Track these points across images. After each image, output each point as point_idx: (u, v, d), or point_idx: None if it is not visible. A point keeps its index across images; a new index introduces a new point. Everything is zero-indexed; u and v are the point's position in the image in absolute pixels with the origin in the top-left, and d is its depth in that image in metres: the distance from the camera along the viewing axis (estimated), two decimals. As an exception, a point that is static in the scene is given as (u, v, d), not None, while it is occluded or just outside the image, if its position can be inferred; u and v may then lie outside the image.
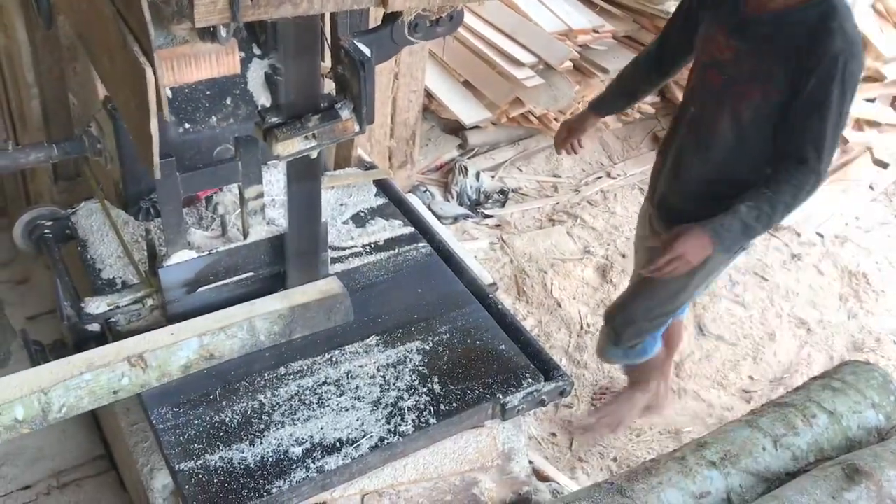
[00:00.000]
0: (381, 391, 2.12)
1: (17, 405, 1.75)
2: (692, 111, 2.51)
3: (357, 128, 1.85)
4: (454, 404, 2.12)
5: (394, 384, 2.15)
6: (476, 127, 4.43)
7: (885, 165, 4.62)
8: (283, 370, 2.15)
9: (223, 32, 1.60)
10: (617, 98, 2.85)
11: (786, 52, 2.20)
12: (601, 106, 2.83)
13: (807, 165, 2.24)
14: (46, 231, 2.46)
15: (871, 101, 4.82)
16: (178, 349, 1.97)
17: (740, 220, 2.28)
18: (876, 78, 4.87)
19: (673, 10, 4.57)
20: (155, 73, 1.29)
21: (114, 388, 1.90)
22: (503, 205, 4.30)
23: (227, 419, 2.02)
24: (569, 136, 2.86)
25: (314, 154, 1.88)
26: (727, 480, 2.05)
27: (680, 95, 4.93)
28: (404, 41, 1.88)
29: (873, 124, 4.76)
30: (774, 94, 2.24)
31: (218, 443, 1.97)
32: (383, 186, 2.84)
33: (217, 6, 1.31)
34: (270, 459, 1.94)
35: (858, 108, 4.69)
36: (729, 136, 2.39)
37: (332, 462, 1.95)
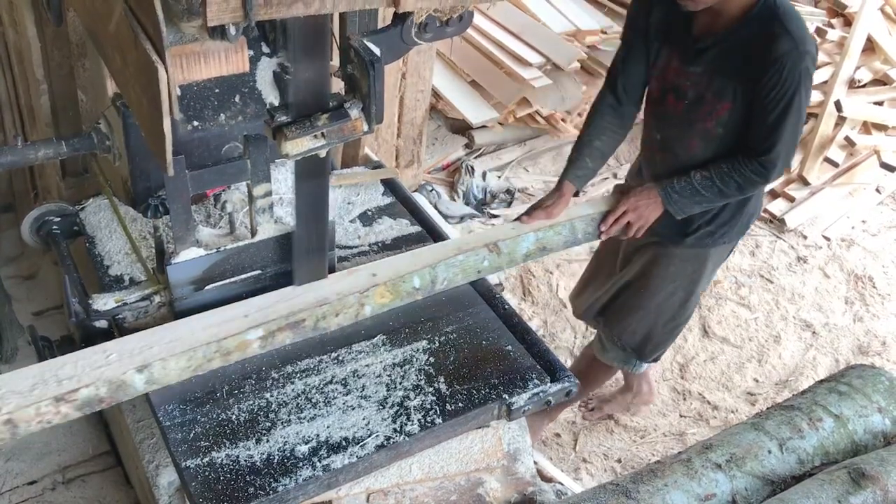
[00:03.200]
0: (388, 390, 2.13)
1: (414, 276, 2.13)
2: (658, 138, 2.49)
3: (366, 127, 1.85)
4: (460, 404, 2.12)
5: (400, 384, 2.15)
6: (483, 127, 4.43)
7: (892, 169, 4.61)
8: (289, 368, 2.15)
9: (233, 31, 1.60)
10: (593, 163, 2.52)
11: (740, 67, 2.25)
12: (581, 178, 2.50)
13: (767, 157, 2.31)
14: (55, 227, 2.47)
15: (879, 104, 4.81)
16: (521, 240, 2.29)
17: (691, 185, 2.36)
18: (884, 81, 4.86)
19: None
20: (167, 71, 1.29)
21: (478, 268, 2.24)
22: (509, 205, 4.30)
23: (234, 417, 2.03)
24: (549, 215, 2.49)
25: (323, 153, 1.88)
26: (732, 483, 2.05)
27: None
28: (413, 41, 1.88)
29: (881, 127, 4.75)
30: (738, 107, 2.30)
31: (224, 440, 1.97)
32: (390, 185, 2.84)
33: (230, 5, 1.31)
34: (276, 457, 1.95)
35: (866, 111, 4.69)
36: (700, 153, 2.41)
37: (338, 461, 1.96)
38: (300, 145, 1.80)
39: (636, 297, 2.73)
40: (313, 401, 2.08)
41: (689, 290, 2.67)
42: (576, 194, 2.47)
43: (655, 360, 2.94)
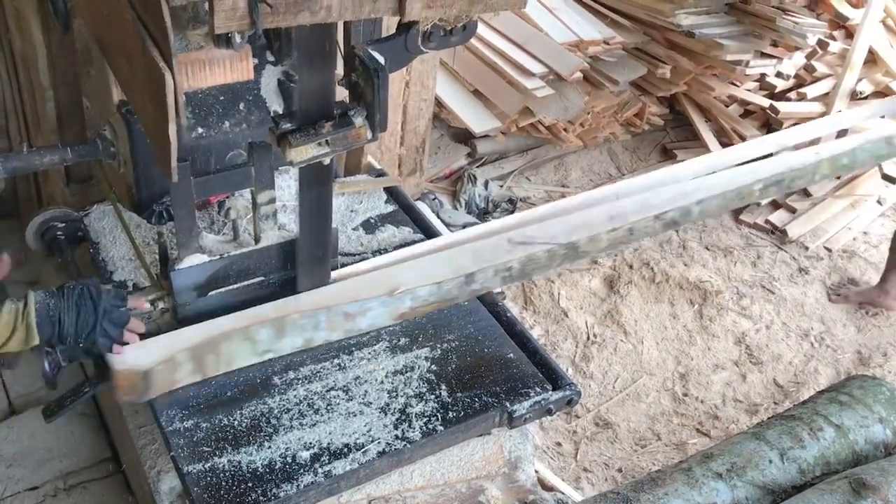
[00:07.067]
0: (390, 397, 2.13)
1: (844, 156, 2.73)
2: None
3: (370, 135, 1.86)
4: (462, 412, 2.12)
5: (402, 390, 2.16)
6: (485, 136, 4.45)
7: (893, 181, 4.61)
8: (291, 374, 2.16)
9: (238, 38, 1.61)
10: None
11: None
12: None
13: None
14: (59, 233, 2.48)
15: (881, 117, 4.81)
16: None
17: None
18: (885, 93, 4.87)
19: (683, 22, 4.63)
20: (174, 78, 1.31)
21: (877, 154, 2.87)
22: (511, 214, 4.31)
23: (236, 422, 2.03)
24: None
25: (327, 160, 1.89)
26: (733, 493, 2.05)
27: (689, 108, 4.95)
28: (418, 50, 1.89)
29: (882, 139, 4.76)
30: None
31: (226, 446, 1.98)
32: (393, 194, 2.85)
33: (237, 13, 1.33)
34: (278, 463, 1.95)
35: (868, 123, 4.69)
36: None
37: (339, 467, 1.96)
38: (304, 153, 1.81)
39: None
40: (315, 407, 2.09)
41: None
42: None
43: None
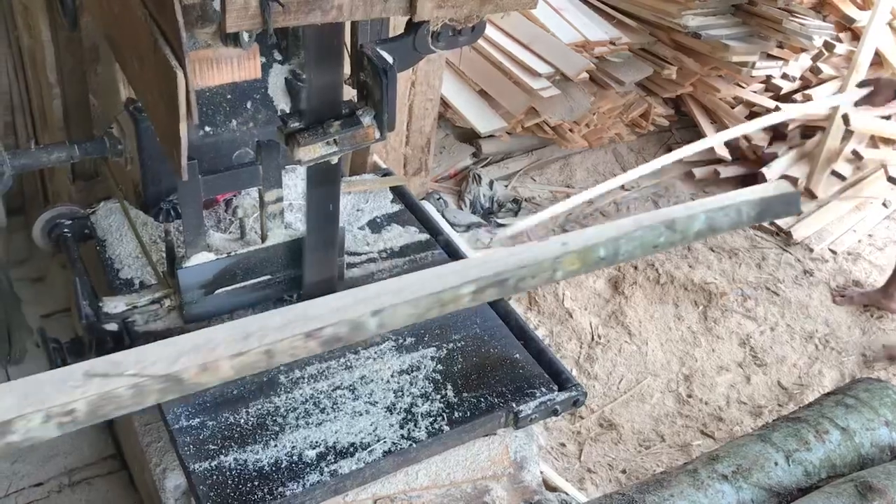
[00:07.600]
0: (396, 397, 2.13)
1: (600, 247, 2.14)
2: None
3: (378, 135, 1.87)
4: (467, 412, 2.12)
5: (408, 390, 2.16)
6: (490, 136, 4.45)
7: (899, 183, 4.61)
8: (298, 373, 2.16)
9: (246, 37, 1.61)
10: None
11: None
12: None
13: None
14: (66, 230, 2.48)
15: (886, 118, 4.81)
16: (693, 220, 2.31)
17: None
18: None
19: (689, 24, 4.62)
20: (186, 77, 1.31)
21: (654, 243, 2.27)
22: (516, 214, 4.31)
23: (242, 421, 2.03)
24: None
25: (334, 159, 1.89)
26: (739, 494, 2.05)
27: (695, 109, 4.94)
28: (426, 50, 1.89)
29: (888, 141, 4.76)
30: None
31: (232, 444, 1.98)
32: (399, 193, 2.86)
33: (249, 12, 1.33)
34: (284, 462, 1.95)
35: (873, 125, 4.69)
36: None
37: (345, 466, 1.96)
38: (313, 152, 1.81)
39: None
40: (321, 406, 2.09)
41: None
42: None
43: None
